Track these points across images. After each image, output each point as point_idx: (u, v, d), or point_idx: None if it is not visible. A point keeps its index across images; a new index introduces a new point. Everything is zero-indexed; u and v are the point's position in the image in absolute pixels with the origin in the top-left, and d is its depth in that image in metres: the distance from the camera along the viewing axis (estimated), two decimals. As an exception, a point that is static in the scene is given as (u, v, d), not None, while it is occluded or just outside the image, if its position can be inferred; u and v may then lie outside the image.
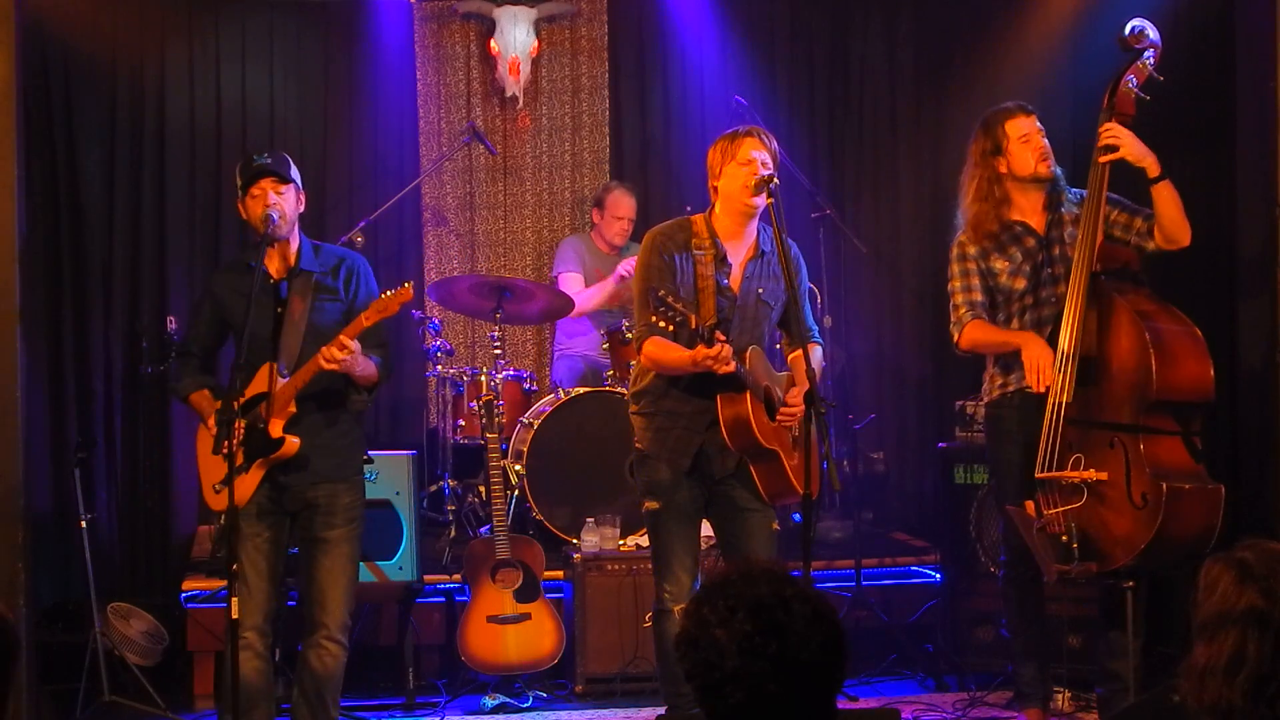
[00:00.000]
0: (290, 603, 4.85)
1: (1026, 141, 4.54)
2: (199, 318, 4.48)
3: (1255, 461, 5.53)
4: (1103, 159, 4.40)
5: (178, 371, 4.50)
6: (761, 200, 4.23)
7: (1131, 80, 4.44)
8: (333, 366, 4.14)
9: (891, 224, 7.25)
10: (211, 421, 4.21)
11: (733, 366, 4.04)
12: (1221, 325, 5.69)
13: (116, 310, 6.55)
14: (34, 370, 5.64)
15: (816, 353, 4.39)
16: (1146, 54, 4.46)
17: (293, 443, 4.21)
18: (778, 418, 4.26)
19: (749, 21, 7.23)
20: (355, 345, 4.15)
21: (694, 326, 3.99)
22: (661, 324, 3.98)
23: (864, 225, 7.08)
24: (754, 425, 4.17)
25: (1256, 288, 5.48)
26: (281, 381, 4.18)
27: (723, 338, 4.03)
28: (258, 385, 4.20)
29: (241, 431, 4.06)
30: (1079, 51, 6.47)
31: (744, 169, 4.23)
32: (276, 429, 4.19)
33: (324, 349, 4.14)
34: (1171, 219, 4.40)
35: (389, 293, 4.24)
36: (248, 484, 4.19)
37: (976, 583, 5.48)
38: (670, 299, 3.97)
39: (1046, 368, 4.34)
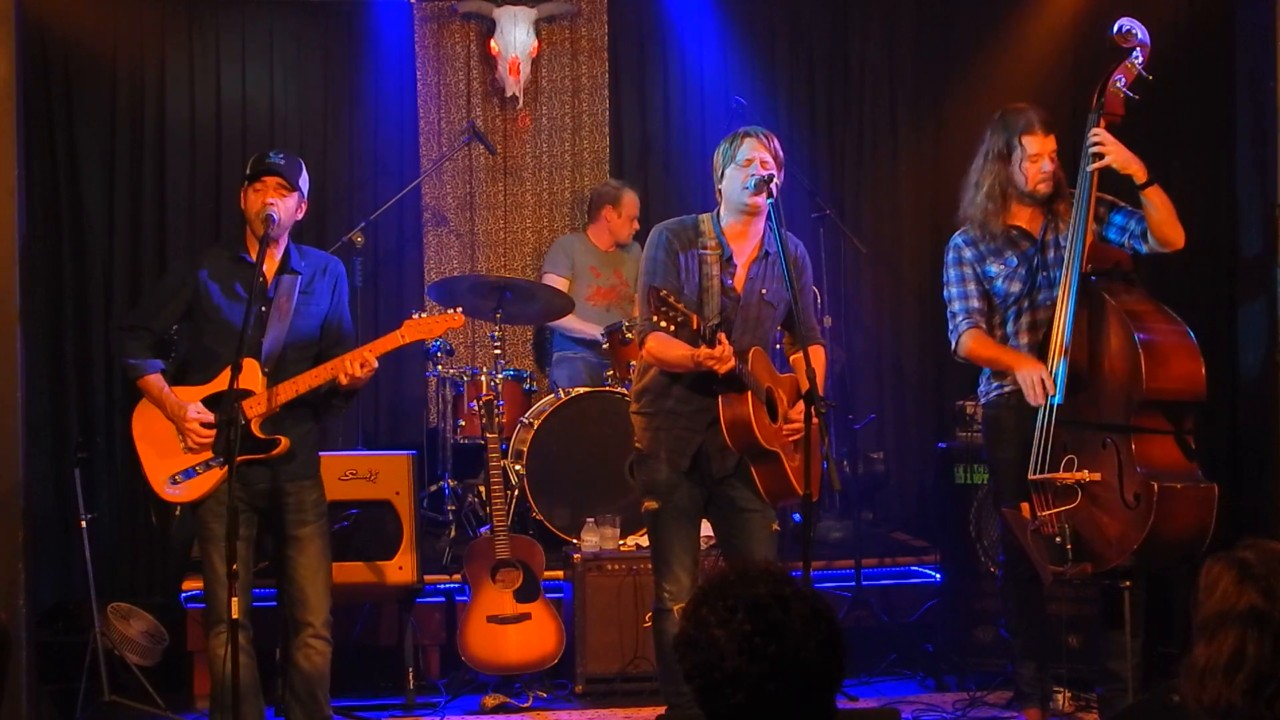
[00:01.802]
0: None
1: (1035, 161, 4.50)
2: (170, 297, 4.36)
3: (1255, 462, 5.54)
4: (1090, 166, 4.39)
5: (131, 347, 4.32)
6: (762, 200, 4.23)
7: (1120, 80, 4.41)
8: (345, 382, 4.15)
9: (891, 224, 7.25)
10: (191, 425, 4.20)
11: (733, 363, 4.04)
12: (1221, 325, 5.70)
13: (116, 310, 6.54)
14: (34, 370, 5.64)
15: (819, 354, 4.40)
16: (1134, 53, 4.42)
17: (285, 444, 4.23)
18: (778, 427, 4.26)
19: (749, 21, 7.23)
20: (371, 360, 4.16)
21: (695, 327, 3.99)
22: (663, 324, 3.98)
23: (864, 225, 7.08)
24: (755, 426, 4.16)
25: (1256, 287, 5.48)
26: (262, 378, 4.19)
27: (725, 338, 4.03)
28: (240, 380, 4.17)
29: (221, 426, 4.07)
30: (1079, 51, 6.48)
31: (743, 170, 4.24)
32: (256, 427, 4.19)
33: (347, 362, 4.14)
34: (1163, 223, 4.37)
35: (421, 316, 4.25)
36: (212, 478, 4.19)
37: (976, 583, 5.48)
38: (672, 299, 3.97)
39: (1043, 381, 4.33)
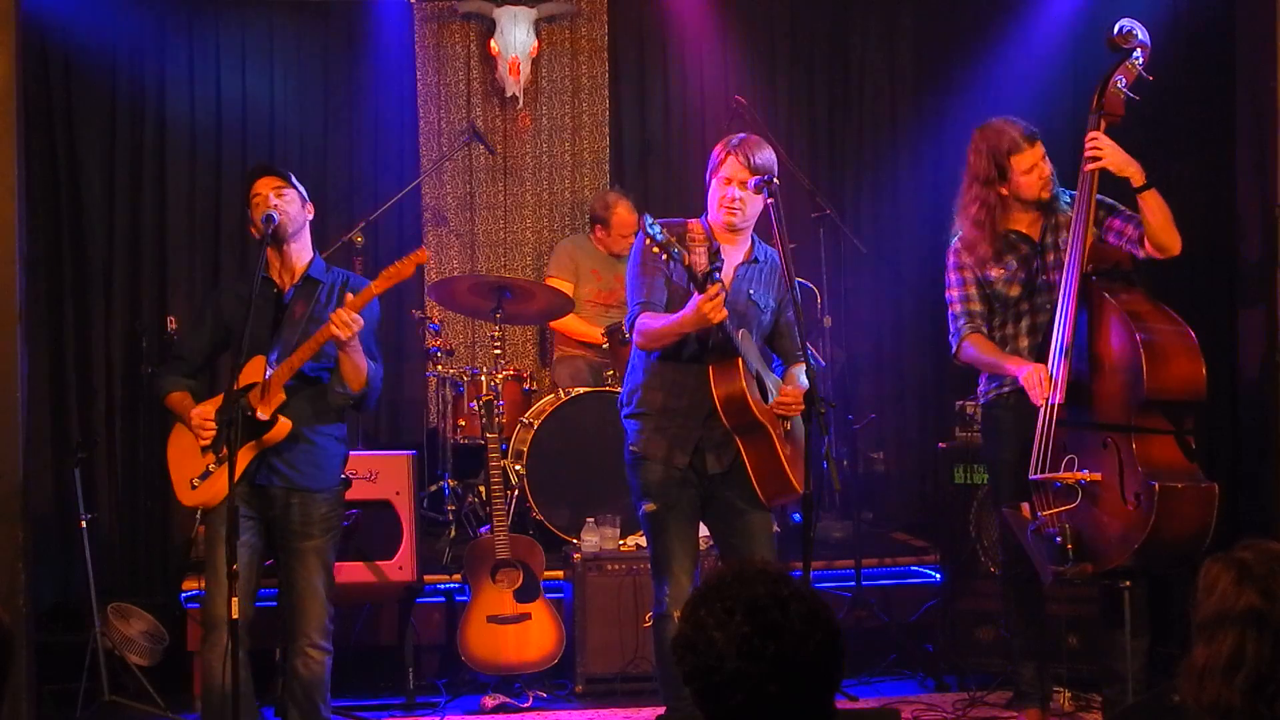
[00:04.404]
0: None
1: (1031, 173, 4.48)
2: (198, 324, 4.50)
3: (1255, 462, 5.53)
4: (1087, 169, 4.38)
5: (163, 373, 4.50)
6: (738, 220, 4.25)
7: (1120, 81, 4.39)
8: (339, 331, 4.09)
9: (891, 224, 7.26)
10: (196, 421, 4.22)
11: (725, 314, 4.00)
12: (1222, 326, 5.70)
13: (116, 310, 6.56)
14: (34, 370, 5.64)
15: (802, 370, 4.36)
16: (1135, 54, 4.41)
17: (284, 424, 4.19)
18: (771, 405, 4.25)
19: (749, 21, 7.24)
20: (357, 317, 4.12)
21: (686, 264, 3.99)
22: (655, 249, 3.99)
23: (864, 225, 7.09)
24: (748, 395, 4.14)
25: (1256, 289, 5.48)
26: (270, 371, 4.18)
27: (716, 288, 4.00)
28: (248, 376, 4.20)
29: (221, 426, 4.06)
30: (1079, 51, 6.47)
31: (723, 188, 4.25)
32: (266, 413, 4.18)
33: (334, 313, 4.12)
34: (1159, 227, 4.34)
35: (400, 261, 4.22)
36: (224, 477, 4.16)
37: (976, 583, 5.47)
38: (669, 235, 3.99)
39: (1045, 382, 4.32)
